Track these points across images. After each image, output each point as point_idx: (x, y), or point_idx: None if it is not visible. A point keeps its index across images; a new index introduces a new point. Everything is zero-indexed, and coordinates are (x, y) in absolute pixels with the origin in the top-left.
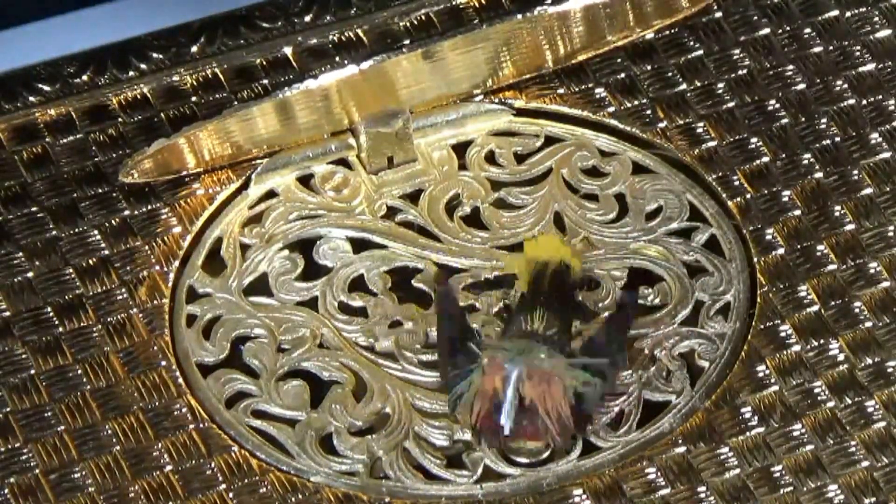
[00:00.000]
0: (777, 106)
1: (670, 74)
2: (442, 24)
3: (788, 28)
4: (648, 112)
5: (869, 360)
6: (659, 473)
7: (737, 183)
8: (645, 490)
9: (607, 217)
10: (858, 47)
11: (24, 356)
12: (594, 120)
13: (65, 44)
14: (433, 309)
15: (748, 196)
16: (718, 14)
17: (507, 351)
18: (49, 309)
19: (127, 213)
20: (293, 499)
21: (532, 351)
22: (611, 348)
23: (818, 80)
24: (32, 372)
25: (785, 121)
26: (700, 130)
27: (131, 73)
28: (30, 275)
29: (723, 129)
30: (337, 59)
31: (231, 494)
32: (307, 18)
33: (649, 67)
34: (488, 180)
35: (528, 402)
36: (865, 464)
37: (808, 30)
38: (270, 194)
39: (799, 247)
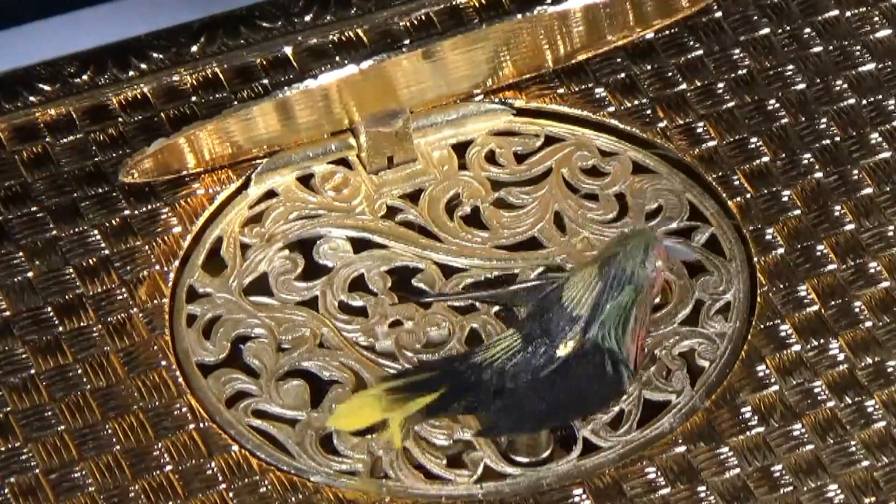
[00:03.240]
0: (777, 106)
1: (670, 74)
2: (442, 24)
3: (788, 28)
4: (648, 112)
5: (869, 360)
6: (659, 473)
7: (737, 183)
8: (645, 490)
9: (607, 217)
10: (858, 47)
11: (24, 356)
12: (594, 120)
13: (65, 44)
14: (433, 308)
15: (748, 196)
16: (718, 14)
17: (648, 243)
18: (49, 309)
19: (127, 213)
20: (293, 499)
21: (642, 230)
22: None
23: (818, 80)
24: (32, 372)
25: (785, 121)
26: (700, 130)
27: (131, 73)
28: (30, 275)
29: (723, 129)
30: (337, 59)
31: (231, 494)
32: (307, 18)
33: (649, 67)
34: (488, 180)
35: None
36: (865, 464)
37: (808, 30)
38: (270, 194)
39: (799, 247)
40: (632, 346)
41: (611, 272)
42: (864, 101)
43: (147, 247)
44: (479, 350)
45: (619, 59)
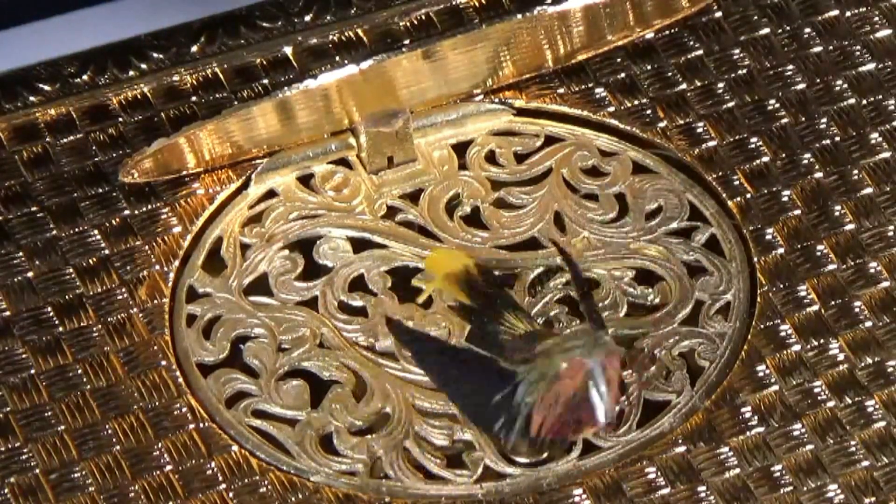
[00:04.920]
0: (777, 106)
1: (670, 74)
2: (442, 24)
3: (788, 28)
4: (648, 112)
5: (869, 360)
6: (659, 473)
7: (737, 183)
8: (645, 490)
9: (607, 217)
10: (858, 47)
11: (24, 356)
12: (594, 120)
13: (65, 44)
14: (434, 308)
15: (748, 196)
16: (718, 14)
17: (580, 347)
18: (49, 309)
19: (127, 213)
20: (293, 499)
21: (600, 337)
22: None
23: (818, 80)
24: (32, 372)
25: (785, 121)
26: (700, 130)
27: (131, 73)
28: (30, 275)
29: (723, 129)
30: (337, 59)
31: (231, 494)
32: (307, 18)
33: (649, 67)
34: (488, 180)
35: (617, 384)
36: (865, 464)
37: (808, 30)
38: (270, 194)
39: (799, 247)
40: (536, 415)
41: (548, 343)
42: (864, 101)
43: (147, 247)
44: (507, 318)
45: (619, 59)
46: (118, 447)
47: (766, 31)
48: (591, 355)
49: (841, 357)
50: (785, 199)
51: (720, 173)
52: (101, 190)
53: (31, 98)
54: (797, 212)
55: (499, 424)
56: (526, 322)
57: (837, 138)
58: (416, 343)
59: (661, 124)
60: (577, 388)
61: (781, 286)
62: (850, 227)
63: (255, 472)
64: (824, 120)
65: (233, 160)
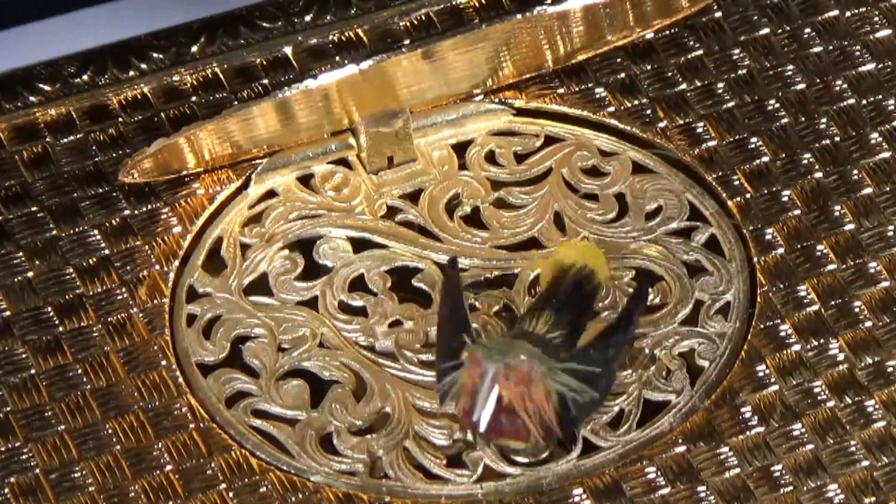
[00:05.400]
0: (777, 106)
1: (670, 74)
2: (442, 24)
3: (788, 28)
4: (648, 112)
5: (869, 360)
6: (659, 473)
7: (737, 183)
8: (645, 490)
9: (607, 217)
10: (858, 47)
11: (24, 356)
12: (594, 120)
13: (65, 44)
14: (434, 308)
15: (748, 196)
16: (718, 14)
17: (487, 348)
18: (49, 309)
19: (127, 213)
20: (293, 498)
21: (513, 350)
22: (605, 355)
23: (818, 80)
24: (32, 372)
25: (785, 121)
26: (700, 130)
27: (131, 73)
28: (30, 275)
29: (723, 129)
30: (337, 59)
31: (231, 494)
32: (307, 18)
33: (649, 67)
34: (488, 180)
35: (507, 401)
36: (865, 464)
37: (808, 30)
38: (270, 194)
39: (799, 246)
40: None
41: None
42: (864, 101)
43: (147, 247)
44: (540, 317)
45: (619, 59)
46: (118, 447)
47: (766, 31)
48: (490, 359)
49: (841, 357)
50: (785, 199)
51: (720, 173)
52: (101, 190)
53: (31, 98)
54: (797, 212)
55: (441, 386)
56: (547, 328)
57: (837, 138)
58: None
59: (661, 124)
60: (473, 382)
61: (781, 286)
62: (850, 227)
63: (255, 472)
64: (824, 120)
65: (233, 160)
